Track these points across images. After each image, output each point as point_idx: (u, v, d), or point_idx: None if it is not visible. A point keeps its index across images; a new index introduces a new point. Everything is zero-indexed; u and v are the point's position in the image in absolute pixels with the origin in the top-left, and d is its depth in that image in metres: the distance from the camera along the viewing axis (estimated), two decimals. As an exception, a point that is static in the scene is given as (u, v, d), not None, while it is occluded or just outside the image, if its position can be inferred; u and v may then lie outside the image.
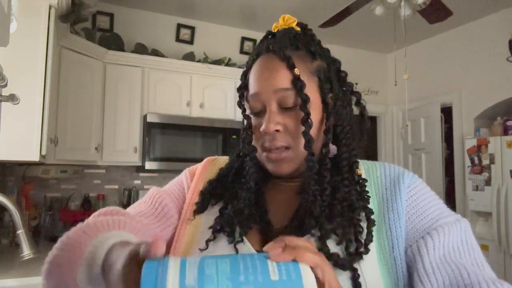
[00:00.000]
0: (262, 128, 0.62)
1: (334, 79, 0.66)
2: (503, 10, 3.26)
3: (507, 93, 3.20)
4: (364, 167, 0.67)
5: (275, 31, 0.69)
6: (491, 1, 3.12)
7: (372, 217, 0.59)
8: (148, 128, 2.92)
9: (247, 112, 0.67)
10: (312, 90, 0.62)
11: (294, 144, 0.62)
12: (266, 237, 0.61)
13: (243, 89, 0.68)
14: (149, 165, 2.90)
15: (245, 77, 0.68)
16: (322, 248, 0.55)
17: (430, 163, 3.79)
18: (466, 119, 3.53)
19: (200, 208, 0.68)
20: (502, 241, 2.94)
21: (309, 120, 0.60)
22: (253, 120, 0.66)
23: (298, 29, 0.68)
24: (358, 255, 0.55)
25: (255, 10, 3.32)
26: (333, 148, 0.64)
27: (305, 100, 0.60)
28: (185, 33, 3.49)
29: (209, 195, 0.69)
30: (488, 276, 0.56)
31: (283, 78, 0.61)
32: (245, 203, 0.64)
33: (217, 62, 3.31)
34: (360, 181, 0.62)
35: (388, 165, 0.67)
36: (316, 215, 0.58)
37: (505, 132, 3.17)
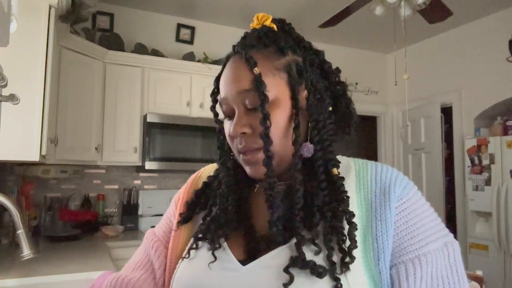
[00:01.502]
0: (230, 131, 0.61)
1: (311, 72, 0.62)
2: (503, 10, 3.26)
3: (507, 93, 3.19)
4: (356, 168, 0.63)
5: None
6: (491, 1, 3.12)
7: (354, 220, 0.56)
8: (148, 128, 2.92)
9: (221, 116, 0.66)
10: (280, 87, 0.60)
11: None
12: (249, 243, 0.61)
13: (215, 94, 0.67)
14: (149, 165, 2.90)
15: (217, 82, 0.67)
16: (298, 255, 0.53)
17: (430, 163, 3.79)
18: (466, 119, 3.53)
19: (185, 218, 0.69)
20: (502, 241, 2.94)
21: (267, 121, 0.57)
22: (228, 124, 0.64)
23: (273, 26, 0.66)
24: (344, 266, 0.53)
25: (255, 10, 3.30)
26: (309, 147, 0.60)
27: (263, 100, 0.57)
28: (185, 33, 3.49)
29: (193, 205, 0.69)
30: None
31: (245, 80, 0.60)
32: (221, 209, 0.63)
33: (217, 62, 3.30)
34: (337, 181, 0.58)
35: (380, 167, 0.62)
36: (276, 228, 0.56)
37: (505, 132, 3.16)
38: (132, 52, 3.05)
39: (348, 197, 0.57)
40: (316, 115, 0.61)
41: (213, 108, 0.67)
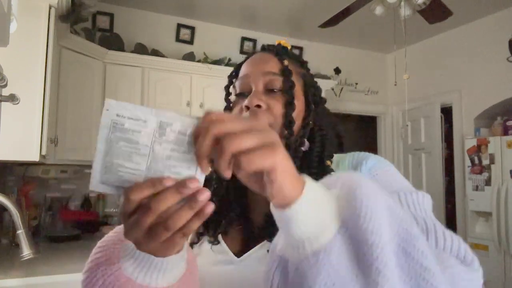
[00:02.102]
0: (245, 102, 0.63)
1: (317, 95, 0.70)
2: (503, 10, 3.26)
3: (507, 93, 3.19)
4: (336, 159, 0.67)
5: None
6: (491, 1, 3.12)
7: None
8: (148, 128, 2.91)
9: (231, 96, 0.71)
10: (297, 87, 0.66)
11: (276, 125, 0.62)
12: (245, 236, 0.63)
13: (233, 76, 0.72)
14: (149, 165, 2.90)
15: (238, 68, 0.72)
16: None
17: (430, 163, 3.79)
18: (466, 119, 3.53)
19: None
20: (502, 241, 2.94)
21: (293, 104, 0.63)
22: (236, 102, 0.68)
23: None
24: None
25: (255, 10, 3.32)
26: (306, 145, 0.65)
27: (291, 85, 0.63)
28: (185, 33, 3.49)
29: None
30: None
31: (273, 65, 0.66)
32: (217, 198, 0.66)
33: (217, 62, 3.30)
34: (328, 172, 0.63)
35: (357, 154, 0.66)
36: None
37: (505, 132, 3.16)
38: (132, 52, 3.05)
39: None
40: (321, 121, 0.68)
41: (227, 87, 0.72)
